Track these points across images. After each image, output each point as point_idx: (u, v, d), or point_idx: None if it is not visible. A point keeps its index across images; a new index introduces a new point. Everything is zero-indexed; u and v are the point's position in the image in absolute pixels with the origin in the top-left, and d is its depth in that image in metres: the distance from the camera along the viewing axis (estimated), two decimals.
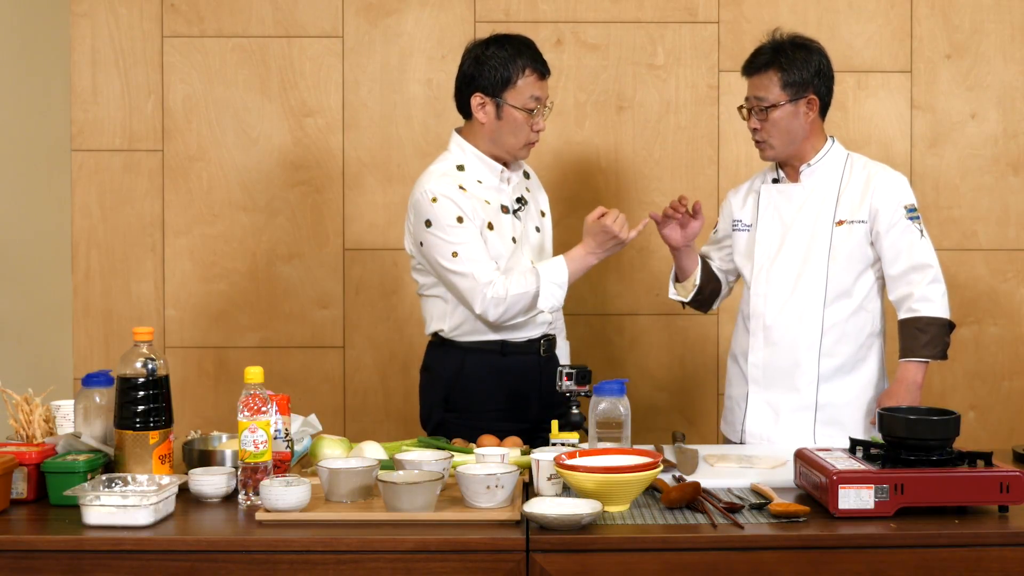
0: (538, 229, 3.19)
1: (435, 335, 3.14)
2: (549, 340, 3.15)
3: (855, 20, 4.06)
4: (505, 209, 3.09)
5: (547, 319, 3.13)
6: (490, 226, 3.03)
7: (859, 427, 3.07)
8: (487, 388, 3.08)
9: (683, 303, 3.26)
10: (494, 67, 3.03)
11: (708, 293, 3.24)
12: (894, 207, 3.03)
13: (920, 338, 2.98)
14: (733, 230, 3.22)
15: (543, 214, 3.25)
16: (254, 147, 4.06)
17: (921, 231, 3.04)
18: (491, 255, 3.01)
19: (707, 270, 3.24)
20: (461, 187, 3.02)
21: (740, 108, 3.12)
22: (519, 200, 3.13)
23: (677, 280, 3.24)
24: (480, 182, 3.07)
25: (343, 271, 4.09)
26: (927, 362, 3.00)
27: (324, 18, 4.06)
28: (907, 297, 3.01)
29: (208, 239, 4.08)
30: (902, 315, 3.03)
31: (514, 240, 3.07)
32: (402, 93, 4.06)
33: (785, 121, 3.04)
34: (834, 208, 3.07)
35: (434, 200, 2.99)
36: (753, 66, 3.07)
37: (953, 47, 4.06)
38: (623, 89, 4.07)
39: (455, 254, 2.98)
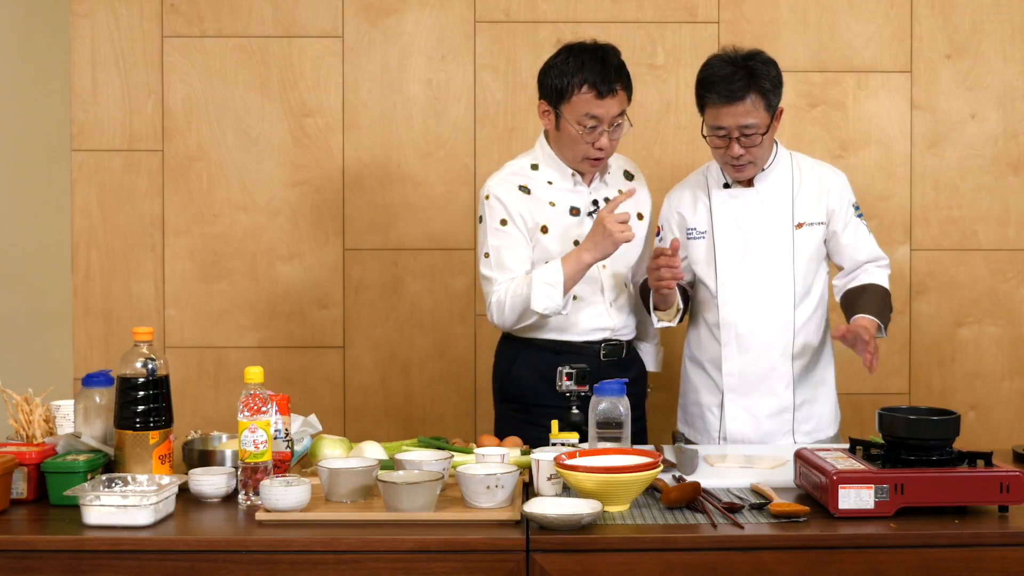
0: None
1: None
2: (612, 345, 3.10)
3: (855, 20, 4.05)
4: (575, 211, 3.07)
5: (608, 324, 3.08)
6: (544, 229, 3.03)
7: (831, 418, 3.14)
8: (537, 385, 3.08)
9: (672, 326, 3.16)
10: (553, 77, 2.99)
11: (687, 307, 3.19)
12: (846, 207, 3.09)
13: (874, 303, 2.99)
14: (688, 238, 3.13)
15: (640, 217, 3.15)
16: (254, 147, 4.06)
17: (866, 226, 3.13)
18: (539, 258, 3.02)
19: (681, 290, 3.14)
20: (523, 187, 3.05)
21: (708, 137, 2.99)
22: (596, 203, 3.08)
23: (656, 308, 3.10)
24: (550, 183, 3.07)
25: (343, 271, 4.09)
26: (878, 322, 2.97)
27: (324, 18, 4.05)
28: (856, 276, 3.08)
29: (208, 239, 4.07)
30: (850, 285, 3.08)
31: (576, 243, 3.03)
32: (402, 93, 4.06)
33: (770, 139, 3.02)
34: (791, 211, 3.07)
35: (487, 198, 3.06)
36: (733, 95, 2.92)
37: (953, 47, 4.06)
38: None
39: (487, 255, 3.04)
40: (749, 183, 3.09)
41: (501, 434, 2.99)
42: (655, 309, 3.09)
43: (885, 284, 3.09)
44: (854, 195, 3.14)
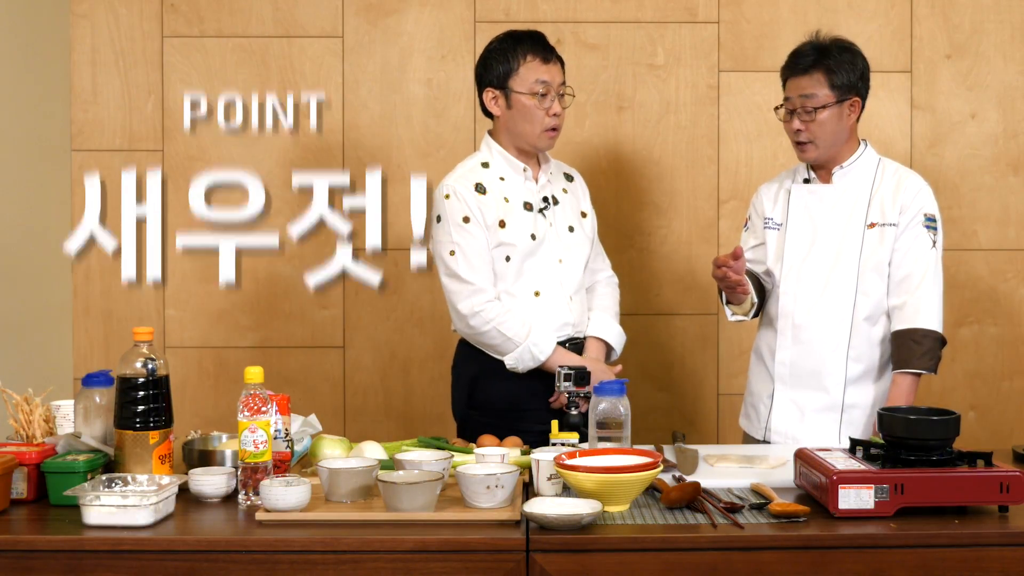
0: (572, 229, 3.20)
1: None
2: (575, 343, 3.15)
3: (855, 20, 4.05)
4: (528, 206, 3.12)
5: (569, 319, 3.13)
6: (502, 224, 3.07)
7: None
8: (507, 387, 3.09)
9: (746, 320, 3.21)
10: (496, 59, 3.11)
11: (761, 301, 3.19)
12: (915, 211, 3.05)
13: (915, 350, 2.97)
14: (764, 227, 3.20)
15: (584, 215, 3.27)
16: (254, 147, 4.06)
17: (934, 242, 3.05)
18: (500, 252, 3.05)
19: (756, 284, 3.17)
20: (479, 184, 3.09)
21: (777, 109, 3.12)
22: (546, 199, 3.16)
23: (729, 302, 3.16)
24: (503, 179, 3.13)
25: (343, 271, 4.08)
26: (920, 374, 2.99)
27: (324, 18, 4.05)
28: (903, 306, 3.01)
29: (208, 239, 4.07)
30: (897, 325, 3.02)
31: (533, 237, 3.09)
32: (402, 93, 4.06)
33: (832, 122, 3.04)
34: (866, 210, 3.07)
35: (447, 197, 3.09)
36: (797, 67, 3.06)
37: (953, 47, 4.06)
38: (623, 89, 4.07)
39: (452, 252, 3.07)
40: (828, 179, 3.11)
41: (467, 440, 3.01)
42: (727, 303, 3.16)
43: (931, 326, 2.99)
44: (935, 209, 3.09)
